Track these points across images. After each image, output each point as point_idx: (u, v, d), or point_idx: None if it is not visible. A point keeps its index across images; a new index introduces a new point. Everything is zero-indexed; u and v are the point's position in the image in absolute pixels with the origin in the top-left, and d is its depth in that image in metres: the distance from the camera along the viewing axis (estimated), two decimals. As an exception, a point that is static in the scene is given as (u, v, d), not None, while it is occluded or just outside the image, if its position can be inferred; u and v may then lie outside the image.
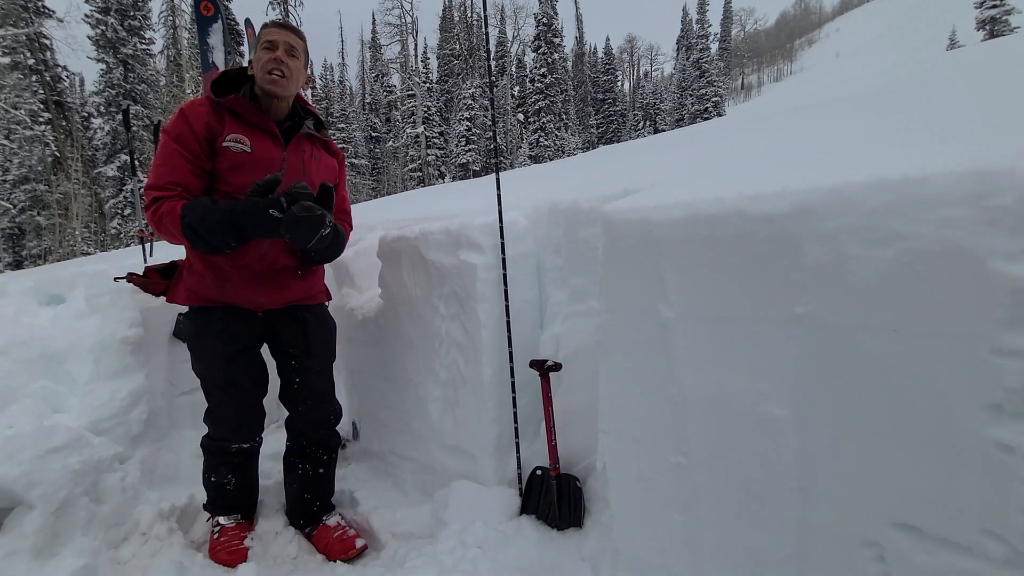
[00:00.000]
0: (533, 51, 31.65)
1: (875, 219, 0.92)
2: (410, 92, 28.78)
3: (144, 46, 20.05)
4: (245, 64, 1.83)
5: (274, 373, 1.96)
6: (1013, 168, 0.81)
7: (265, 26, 1.76)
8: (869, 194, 0.93)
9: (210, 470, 1.91)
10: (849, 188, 0.96)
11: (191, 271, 1.79)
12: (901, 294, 0.91)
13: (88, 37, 18.89)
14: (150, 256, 3.58)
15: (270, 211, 1.52)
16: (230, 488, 1.91)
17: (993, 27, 24.82)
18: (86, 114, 22.15)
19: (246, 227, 1.56)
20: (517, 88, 35.22)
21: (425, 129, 28.31)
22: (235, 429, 1.87)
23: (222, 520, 1.92)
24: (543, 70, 30.27)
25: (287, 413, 1.99)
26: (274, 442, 2.20)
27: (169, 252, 3.53)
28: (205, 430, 2.39)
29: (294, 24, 1.82)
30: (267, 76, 1.68)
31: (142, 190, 1.70)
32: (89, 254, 17.37)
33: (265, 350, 1.93)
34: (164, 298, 2.44)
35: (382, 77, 37.88)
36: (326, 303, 2.03)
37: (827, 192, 0.98)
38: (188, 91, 18.26)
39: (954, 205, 0.85)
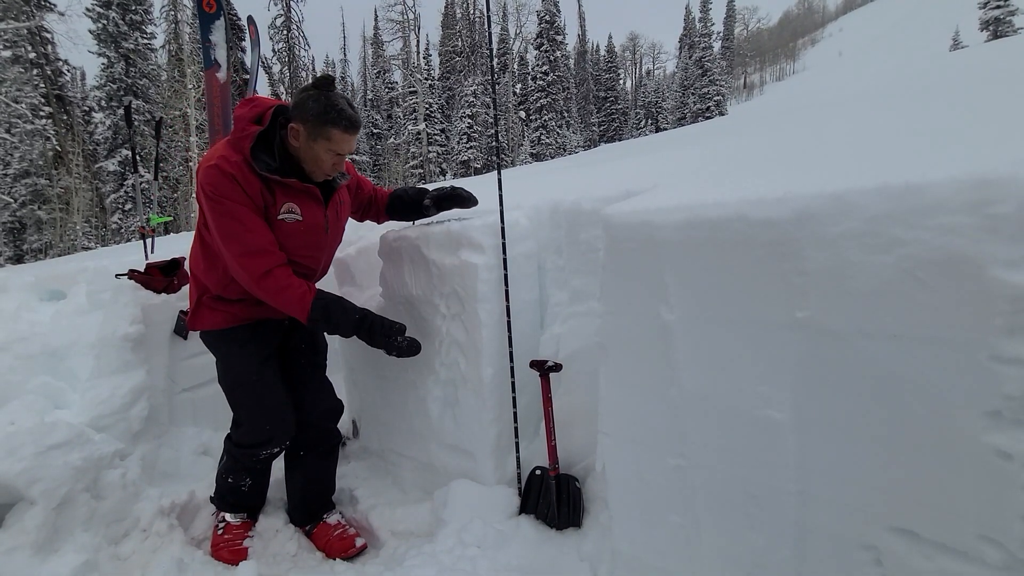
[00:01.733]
0: (535, 48, 31.61)
1: (876, 225, 0.93)
2: (412, 89, 28.72)
3: (145, 41, 20.02)
4: (246, 58, 1.80)
5: None
6: (1014, 176, 0.82)
7: (337, 124, 1.60)
8: (871, 200, 0.93)
9: (229, 471, 1.92)
10: (851, 194, 0.96)
11: (223, 301, 1.80)
12: (901, 300, 0.91)
13: (89, 31, 18.85)
14: (151, 252, 3.58)
15: (393, 339, 1.76)
16: (245, 489, 1.92)
17: (996, 28, 24.77)
18: (87, 108, 22.12)
19: (375, 336, 1.74)
20: (519, 86, 35.17)
21: (427, 126, 28.27)
22: (274, 432, 1.84)
23: (228, 517, 1.93)
24: (545, 68, 30.25)
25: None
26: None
27: (171, 249, 3.53)
28: (206, 427, 2.40)
29: (355, 116, 1.67)
30: (324, 174, 1.72)
31: (239, 257, 1.64)
32: (90, 249, 17.37)
33: None
34: (166, 295, 2.45)
35: (384, 73, 37.84)
36: None
37: (829, 198, 0.98)
38: (190, 86, 18.20)
39: (955, 212, 0.85)
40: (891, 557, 1.00)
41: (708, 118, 28.73)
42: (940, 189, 0.87)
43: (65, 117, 19.96)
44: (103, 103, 19.66)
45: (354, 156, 29.54)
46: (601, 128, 41.04)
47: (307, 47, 24.13)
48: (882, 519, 1.00)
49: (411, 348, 1.77)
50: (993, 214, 0.82)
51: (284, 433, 1.87)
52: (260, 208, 1.66)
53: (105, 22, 18.82)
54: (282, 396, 1.85)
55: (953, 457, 0.90)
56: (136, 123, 17.98)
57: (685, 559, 1.32)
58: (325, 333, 1.77)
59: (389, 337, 1.74)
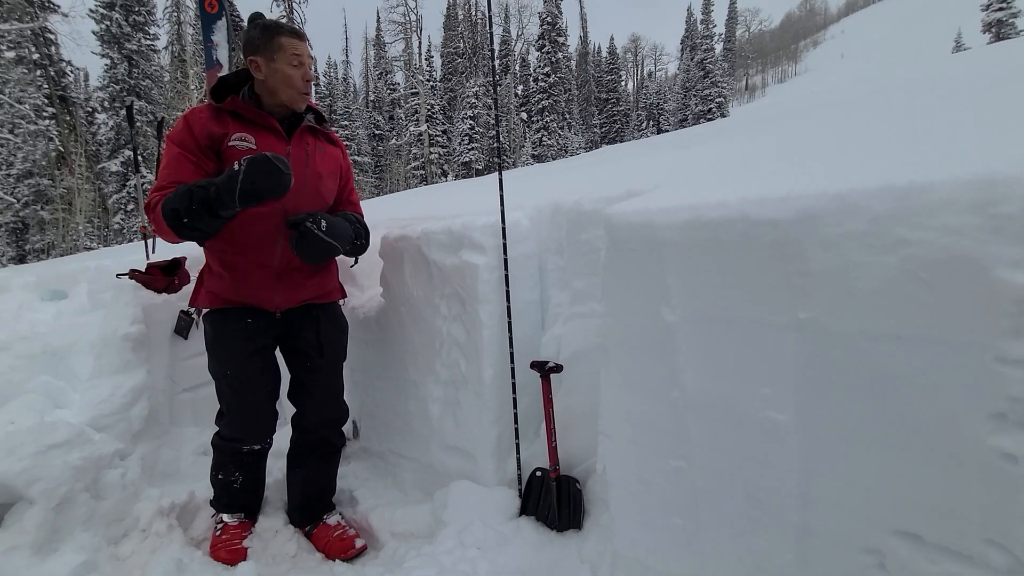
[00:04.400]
0: (537, 50, 31.65)
1: (880, 226, 0.92)
2: (414, 90, 28.76)
3: (148, 42, 20.09)
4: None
5: (285, 371, 1.96)
6: (1020, 176, 0.81)
7: (281, 32, 1.68)
8: (874, 200, 0.93)
9: (218, 468, 1.91)
10: (854, 194, 0.95)
11: (210, 274, 1.80)
12: (905, 301, 0.91)
13: (93, 32, 18.94)
14: (152, 252, 3.58)
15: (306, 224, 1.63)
16: (237, 486, 1.91)
17: (999, 30, 24.73)
18: (90, 109, 22.20)
19: (256, 183, 1.43)
20: (520, 87, 35.23)
21: (428, 127, 28.30)
22: (248, 430, 1.85)
23: (226, 518, 1.92)
24: (547, 69, 30.28)
25: (294, 411, 1.99)
26: (278, 440, 2.20)
27: (172, 249, 3.53)
28: (206, 427, 2.40)
29: (298, 27, 1.78)
30: (300, 96, 1.73)
31: (148, 192, 1.68)
32: (92, 249, 17.41)
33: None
34: (166, 295, 2.45)
35: (386, 75, 37.87)
36: (340, 301, 2.03)
37: (832, 198, 0.97)
38: (192, 87, 18.27)
39: (960, 212, 0.85)
40: (895, 561, 0.99)
41: (710, 120, 28.75)
42: (944, 189, 0.86)
43: (68, 118, 20.02)
44: (106, 104, 19.74)
45: (356, 157, 29.62)
46: (603, 130, 41.04)
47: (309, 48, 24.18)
48: (886, 522, 0.99)
49: (268, 169, 1.42)
50: (998, 214, 0.81)
51: (259, 433, 1.87)
52: (202, 147, 1.63)
53: (108, 23, 18.89)
54: (262, 396, 1.83)
55: (958, 460, 0.89)
56: (138, 124, 18.01)
57: (686, 561, 1.31)
58: (205, 229, 1.50)
59: (232, 176, 1.42)
